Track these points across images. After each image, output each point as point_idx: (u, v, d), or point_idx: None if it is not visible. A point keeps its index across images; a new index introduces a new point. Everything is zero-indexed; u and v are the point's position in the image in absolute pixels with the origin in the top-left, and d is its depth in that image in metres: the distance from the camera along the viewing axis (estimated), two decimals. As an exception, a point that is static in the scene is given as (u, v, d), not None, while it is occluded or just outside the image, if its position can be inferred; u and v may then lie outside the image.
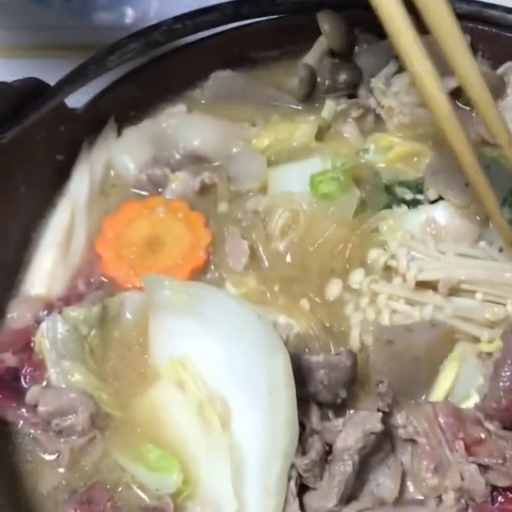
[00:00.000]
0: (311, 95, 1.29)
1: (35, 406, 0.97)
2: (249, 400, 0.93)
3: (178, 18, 1.23)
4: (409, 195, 1.16)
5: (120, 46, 1.18)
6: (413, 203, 1.15)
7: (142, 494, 0.94)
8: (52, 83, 1.14)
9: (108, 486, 0.95)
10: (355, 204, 1.12)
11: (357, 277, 1.08)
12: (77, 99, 1.19)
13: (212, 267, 1.11)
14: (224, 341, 0.96)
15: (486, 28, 1.32)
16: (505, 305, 1.01)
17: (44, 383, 1.00)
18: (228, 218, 1.15)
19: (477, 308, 1.02)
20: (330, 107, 1.27)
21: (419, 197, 1.15)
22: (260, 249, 1.11)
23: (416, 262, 1.06)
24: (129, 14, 1.72)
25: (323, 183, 1.13)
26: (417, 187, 1.16)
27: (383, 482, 0.93)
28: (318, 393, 0.96)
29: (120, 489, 0.95)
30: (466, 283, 1.03)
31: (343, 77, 1.27)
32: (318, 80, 1.31)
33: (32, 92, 1.08)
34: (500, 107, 1.30)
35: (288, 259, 1.10)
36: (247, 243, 1.11)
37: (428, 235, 1.09)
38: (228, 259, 1.11)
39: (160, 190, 1.18)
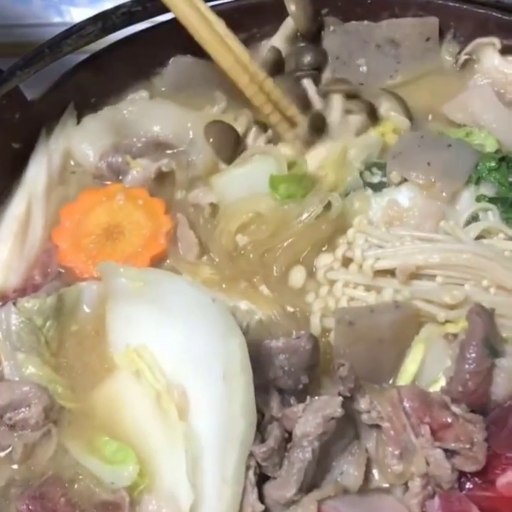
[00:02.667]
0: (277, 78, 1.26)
1: (-13, 400, 0.94)
2: (206, 387, 0.89)
3: (138, 1, 1.20)
4: (376, 178, 1.13)
5: (77, 29, 1.15)
6: (379, 187, 1.12)
7: (98, 489, 0.91)
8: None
9: (63, 481, 0.92)
10: (323, 203, 1.08)
11: (319, 265, 1.06)
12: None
13: (170, 255, 1.08)
14: (181, 327, 0.92)
15: (457, 5, 1.29)
16: (462, 285, 0.99)
17: (-4, 377, 0.97)
18: (184, 205, 1.12)
19: (436, 292, 0.99)
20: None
21: (383, 179, 1.13)
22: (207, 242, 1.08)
23: (373, 250, 1.04)
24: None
25: (284, 184, 1.09)
26: (383, 168, 1.13)
27: (347, 470, 0.90)
28: (278, 379, 0.92)
29: (75, 484, 0.92)
30: (425, 267, 1.00)
31: (307, 59, 1.25)
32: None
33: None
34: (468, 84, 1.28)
35: (247, 253, 1.06)
36: (188, 236, 1.08)
37: (387, 219, 1.06)
38: (180, 248, 1.08)
39: (120, 177, 1.15)
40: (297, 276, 1.05)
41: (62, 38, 1.14)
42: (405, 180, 1.09)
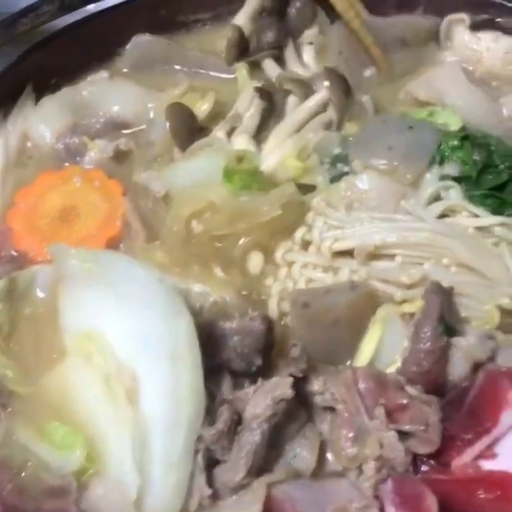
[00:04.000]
0: (240, 58, 1.24)
1: None
2: (154, 369, 0.87)
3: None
4: (339, 169, 1.10)
5: (33, 9, 1.13)
6: (339, 177, 1.09)
7: (46, 474, 0.89)
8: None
9: (11, 468, 0.89)
10: (283, 200, 1.03)
11: (278, 248, 1.03)
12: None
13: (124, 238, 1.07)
14: (131, 309, 0.90)
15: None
16: (422, 265, 0.97)
17: None
18: (139, 188, 1.08)
19: (395, 271, 0.98)
20: (242, 74, 1.22)
21: (346, 169, 1.10)
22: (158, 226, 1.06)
23: (331, 231, 1.02)
24: None
25: (238, 175, 1.07)
26: (346, 159, 1.10)
27: (300, 453, 0.88)
28: (231, 361, 0.90)
29: (24, 470, 0.89)
30: (383, 247, 0.98)
31: (267, 37, 1.23)
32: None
33: None
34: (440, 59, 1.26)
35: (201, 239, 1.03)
36: (141, 220, 1.06)
37: (346, 202, 1.04)
38: (131, 233, 1.06)
39: (77, 159, 1.14)
40: (255, 261, 1.03)
41: (18, 16, 1.12)
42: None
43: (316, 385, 0.89)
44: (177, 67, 1.24)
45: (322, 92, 1.17)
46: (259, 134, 1.15)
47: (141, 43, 1.25)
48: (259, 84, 1.19)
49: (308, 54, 1.27)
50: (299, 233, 1.02)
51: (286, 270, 1.01)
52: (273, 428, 0.86)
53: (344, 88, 1.17)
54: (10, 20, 1.11)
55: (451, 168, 1.06)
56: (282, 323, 0.97)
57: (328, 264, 0.99)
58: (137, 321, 0.90)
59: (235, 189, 1.05)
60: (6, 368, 0.95)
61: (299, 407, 0.88)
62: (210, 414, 0.87)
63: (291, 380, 0.86)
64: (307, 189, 1.07)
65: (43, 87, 1.19)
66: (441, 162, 1.06)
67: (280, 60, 1.26)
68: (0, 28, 1.10)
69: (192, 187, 1.05)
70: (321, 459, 0.89)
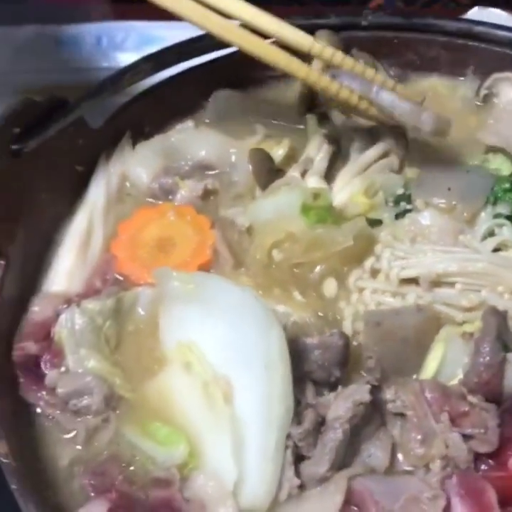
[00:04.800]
0: (310, 109, 1.39)
1: (54, 389, 1.06)
2: (248, 375, 1.00)
3: (185, 43, 1.35)
4: (402, 207, 1.24)
5: (133, 66, 1.30)
6: (403, 214, 1.24)
7: (152, 467, 1.02)
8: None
9: (120, 461, 1.03)
10: (354, 232, 1.17)
11: (350, 276, 1.17)
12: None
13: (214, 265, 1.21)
14: (226, 323, 1.04)
15: (476, 44, 1.42)
16: (480, 291, 1.11)
17: (62, 369, 1.09)
18: (226, 222, 1.24)
19: (455, 297, 1.11)
20: (312, 124, 1.37)
21: (409, 207, 1.24)
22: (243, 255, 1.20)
23: (398, 261, 1.15)
24: None
25: (314, 210, 1.20)
26: (408, 198, 1.25)
27: (374, 453, 1.00)
28: (313, 372, 1.04)
29: (132, 463, 1.03)
30: (445, 276, 1.12)
31: (335, 91, 1.38)
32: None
33: (54, 107, 1.19)
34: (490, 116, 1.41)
35: (281, 266, 1.17)
36: (229, 249, 1.20)
37: (410, 235, 1.18)
38: (219, 261, 1.21)
39: (170, 197, 1.29)
40: (330, 286, 1.16)
41: (122, 73, 1.28)
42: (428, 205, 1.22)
43: (388, 393, 1.02)
44: (253, 117, 1.39)
45: (384, 141, 1.32)
46: (328, 175, 1.30)
47: (221, 96, 1.40)
48: (327, 132, 1.34)
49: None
50: (369, 262, 1.16)
51: (358, 295, 1.15)
52: (352, 429, 0.99)
53: (403, 140, 1.33)
54: (115, 76, 1.27)
55: (504, 208, 1.20)
56: (355, 343, 1.10)
57: (395, 290, 1.13)
58: (233, 334, 1.03)
59: (311, 222, 1.18)
60: (114, 376, 1.09)
61: (374, 412, 1.01)
62: (296, 416, 0.99)
63: (368, 386, 0.99)
64: (374, 223, 1.21)
65: (138, 134, 1.35)
66: (495, 202, 1.20)
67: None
68: (108, 82, 1.26)
69: (273, 220, 1.19)
70: (393, 458, 1.01)
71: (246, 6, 1.21)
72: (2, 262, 1.12)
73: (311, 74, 1.25)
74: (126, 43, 1.88)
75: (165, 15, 1.96)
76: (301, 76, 1.25)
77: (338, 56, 1.26)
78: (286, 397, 0.98)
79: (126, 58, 1.83)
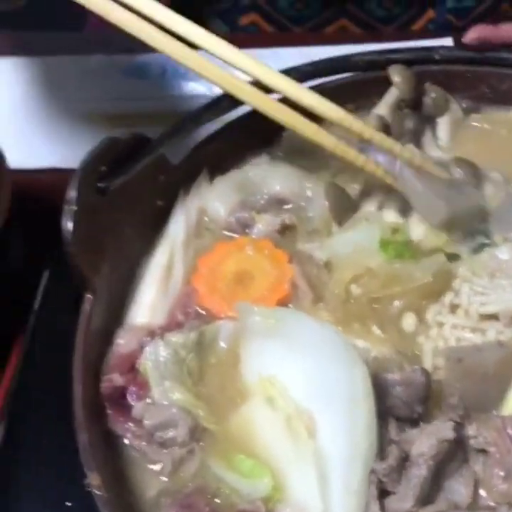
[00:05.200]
0: (383, 144, 1.41)
1: (141, 420, 1.10)
2: (331, 410, 1.02)
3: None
4: (480, 241, 1.25)
5: (213, 104, 1.33)
6: (480, 248, 1.24)
7: (237, 500, 1.04)
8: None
9: (206, 493, 1.06)
10: (433, 268, 1.19)
11: (429, 311, 1.18)
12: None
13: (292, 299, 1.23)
14: (308, 358, 1.06)
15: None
16: None
17: (148, 400, 1.12)
18: (304, 256, 1.26)
19: (538, 333, 1.12)
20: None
21: (487, 241, 1.25)
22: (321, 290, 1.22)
23: (477, 297, 1.16)
24: None
25: (393, 245, 1.22)
26: (486, 233, 1.26)
27: (457, 489, 1.01)
28: (395, 408, 1.05)
29: (218, 495, 1.05)
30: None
31: (407, 125, 1.39)
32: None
33: (137, 145, 1.23)
34: None
35: (360, 301, 1.19)
36: (307, 284, 1.22)
37: (489, 271, 1.18)
38: (298, 294, 1.23)
39: (247, 231, 1.32)
40: (409, 321, 1.17)
41: (202, 111, 1.32)
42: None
43: (470, 429, 1.03)
44: (327, 151, 1.41)
45: (457, 175, 1.33)
46: (404, 208, 1.31)
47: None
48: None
49: (443, 139, 1.45)
50: (448, 297, 1.17)
51: (437, 330, 1.15)
52: (436, 465, 1.00)
53: (475, 173, 1.34)
54: (196, 113, 1.31)
55: None
56: (435, 378, 1.10)
57: (475, 325, 1.14)
58: (315, 369, 1.05)
59: (390, 257, 1.20)
60: (198, 408, 1.11)
61: (456, 448, 1.02)
62: (380, 452, 1.01)
63: (452, 423, 1.00)
64: (452, 258, 1.22)
65: (215, 169, 1.38)
66: None
67: (418, 145, 1.42)
68: (189, 121, 1.30)
69: (351, 255, 1.21)
70: (476, 494, 1.01)
71: (287, 81, 1.28)
72: (90, 296, 1.16)
73: (339, 147, 1.29)
74: (190, 72, 1.93)
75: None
76: (329, 147, 1.29)
77: (368, 130, 1.29)
78: (371, 433, 1.00)
79: (190, 87, 1.89)
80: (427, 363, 1.13)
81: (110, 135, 1.21)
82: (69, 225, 1.12)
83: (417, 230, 1.27)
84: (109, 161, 1.19)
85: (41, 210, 1.58)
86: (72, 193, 1.13)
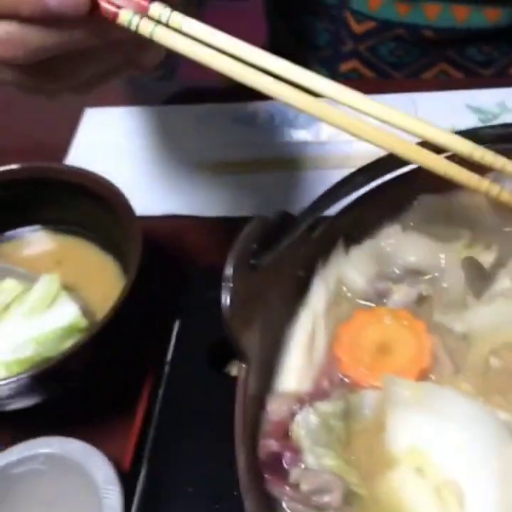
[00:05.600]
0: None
1: (297, 485, 1.18)
2: (481, 486, 1.09)
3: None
4: None
5: (349, 180, 1.42)
6: None
7: None
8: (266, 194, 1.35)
9: (358, 555, 1.14)
10: None
11: None
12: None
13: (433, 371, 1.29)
14: (456, 432, 1.13)
15: None
16: None
17: (302, 466, 1.21)
18: (442, 328, 1.32)
19: None
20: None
21: None
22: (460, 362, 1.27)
23: None
24: (324, 130, 1.99)
25: None
26: None
27: None
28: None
29: (369, 558, 1.13)
30: None
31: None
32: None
33: (282, 222, 1.33)
34: None
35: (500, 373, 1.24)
36: (447, 355, 1.27)
37: None
38: (439, 366, 1.28)
39: (384, 301, 1.39)
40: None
41: (339, 187, 1.40)
42: None
43: None
44: (458, 221, 1.48)
45: None
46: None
47: (426, 200, 1.49)
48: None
49: None
50: None
51: None
52: None
53: None
54: (333, 190, 1.39)
55: None
56: None
57: None
58: (463, 443, 1.12)
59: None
60: (349, 474, 1.19)
61: None
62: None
63: None
64: None
65: (349, 240, 1.47)
66: None
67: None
68: (327, 197, 1.38)
69: (490, 329, 1.28)
70: None
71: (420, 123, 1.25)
72: (245, 365, 1.26)
73: (472, 180, 1.24)
74: (298, 120, 2.03)
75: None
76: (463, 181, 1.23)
77: (499, 161, 1.26)
78: (520, 511, 1.06)
79: (298, 134, 1.99)
80: None
81: (258, 215, 1.31)
82: (227, 301, 1.22)
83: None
84: (259, 239, 1.29)
85: (164, 257, 1.68)
86: (228, 271, 1.23)
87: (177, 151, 2.04)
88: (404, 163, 1.47)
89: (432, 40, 2.12)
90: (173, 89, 2.33)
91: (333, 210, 1.46)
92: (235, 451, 1.18)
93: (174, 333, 1.64)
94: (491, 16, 2.06)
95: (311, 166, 1.94)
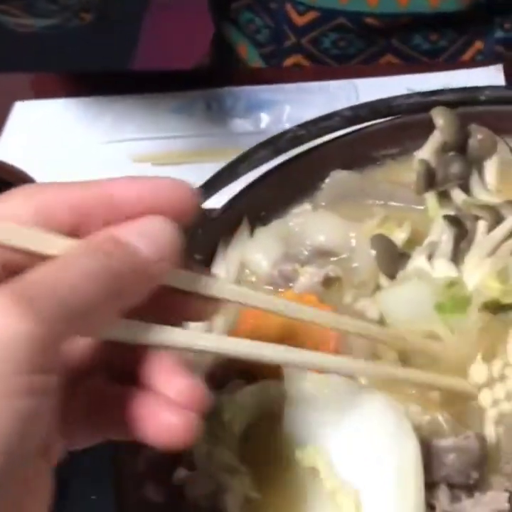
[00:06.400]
0: (428, 188, 1.36)
1: (181, 487, 1.06)
2: (379, 486, 0.97)
3: (301, 126, 1.35)
4: None
5: (250, 154, 1.31)
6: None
7: None
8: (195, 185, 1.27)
9: None
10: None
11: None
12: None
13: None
14: (356, 430, 1.02)
15: None
16: None
17: (189, 466, 1.08)
18: (352, 312, 1.21)
19: None
20: (432, 204, 1.33)
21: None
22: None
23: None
24: (264, 119, 1.89)
25: (450, 303, 1.16)
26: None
27: None
28: (449, 476, 1.00)
29: None
30: None
31: (453, 169, 1.34)
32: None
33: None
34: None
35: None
36: (358, 342, 1.15)
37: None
38: (352, 352, 1.17)
39: (290, 284, 1.27)
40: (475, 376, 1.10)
41: (238, 162, 1.29)
42: None
43: (529, 500, 0.98)
44: (371, 199, 1.38)
45: (510, 219, 1.27)
46: (454, 258, 1.24)
47: (337, 177, 1.39)
48: (449, 212, 1.30)
49: (491, 182, 1.39)
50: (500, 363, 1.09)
51: (503, 392, 1.07)
52: (492, 540, 0.95)
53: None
54: (232, 165, 1.28)
55: None
56: (493, 442, 1.04)
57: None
58: (363, 441, 1.00)
59: (445, 313, 1.14)
60: (242, 474, 1.06)
61: (514, 521, 0.97)
62: (431, 525, 0.97)
63: (507, 495, 0.95)
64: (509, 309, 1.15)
65: (255, 220, 1.35)
66: None
67: (466, 189, 1.36)
68: (225, 173, 1.27)
69: (404, 312, 1.16)
70: None
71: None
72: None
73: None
74: (236, 108, 1.93)
75: (273, 78, 2.00)
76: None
77: None
78: (419, 510, 0.94)
79: (236, 123, 1.88)
80: (489, 429, 1.06)
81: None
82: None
83: (470, 281, 1.21)
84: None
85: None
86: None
87: (115, 143, 1.93)
88: (313, 136, 1.38)
89: (376, 28, 2.05)
90: (111, 79, 2.21)
91: (237, 187, 1.36)
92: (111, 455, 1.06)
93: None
94: (432, 1, 1.99)
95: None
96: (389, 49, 2.13)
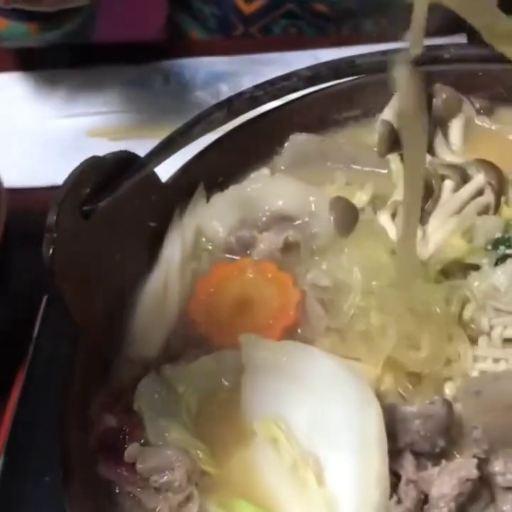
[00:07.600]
0: (392, 150, 1.31)
1: (134, 464, 1.00)
2: (341, 456, 0.93)
3: (258, 86, 1.28)
4: (501, 252, 1.11)
5: (204, 116, 1.24)
6: (502, 259, 1.10)
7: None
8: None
9: (205, 543, 0.96)
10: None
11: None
12: (167, 169, 1.25)
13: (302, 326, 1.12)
14: (317, 399, 0.97)
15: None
16: None
17: (142, 441, 1.03)
18: (311, 279, 1.14)
19: None
20: (395, 165, 1.28)
21: (509, 252, 1.11)
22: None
23: (501, 318, 1.05)
24: (224, 90, 1.83)
25: None
26: (509, 241, 1.11)
27: (484, 533, 0.91)
28: (414, 443, 0.95)
29: (217, 545, 0.96)
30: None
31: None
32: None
33: (123, 163, 1.14)
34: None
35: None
36: (316, 308, 1.11)
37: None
38: (309, 320, 1.12)
39: (248, 251, 1.22)
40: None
41: (192, 125, 1.22)
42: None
43: (496, 465, 0.92)
44: (332, 162, 1.32)
45: (478, 178, 1.23)
46: (421, 218, 1.18)
47: (298, 141, 1.33)
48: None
49: (456, 142, 1.35)
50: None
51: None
52: (458, 507, 0.89)
53: (498, 175, 1.23)
54: (185, 128, 1.22)
55: None
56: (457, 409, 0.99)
57: (499, 355, 1.03)
58: (324, 410, 0.95)
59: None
60: (197, 449, 1.01)
61: (481, 487, 0.91)
62: (396, 492, 0.91)
63: (475, 461, 0.90)
64: (472, 268, 1.10)
65: (212, 186, 1.29)
66: None
67: (430, 149, 1.31)
68: (177, 135, 1.20)
69: (361, 274, 1.10)
70: (505, 538, 0.92)
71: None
72: (78, 329, 1.08)
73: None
74: (195, 80, 1.87)
75: (232, 49, 1.93)
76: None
77: None
78: (383, 479, 0.90)
79: (196, 95, 1.82)
80: (448, 395, 1.02)
81: (95, 155, 1.12)
82: (50, 253, 1.02)
83: (434, 239, 1.16)
84: (93, 183, 1.09)
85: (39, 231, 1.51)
86: (51, 219, 1.03)
87: (70, 118, 1.86)
88: (271, 97, 1.32)
89: (326, 15, 2.01)
90: (66, 52, 2.13)
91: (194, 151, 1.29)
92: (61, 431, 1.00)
93: (41, 308, 1.45)
94: None
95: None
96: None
